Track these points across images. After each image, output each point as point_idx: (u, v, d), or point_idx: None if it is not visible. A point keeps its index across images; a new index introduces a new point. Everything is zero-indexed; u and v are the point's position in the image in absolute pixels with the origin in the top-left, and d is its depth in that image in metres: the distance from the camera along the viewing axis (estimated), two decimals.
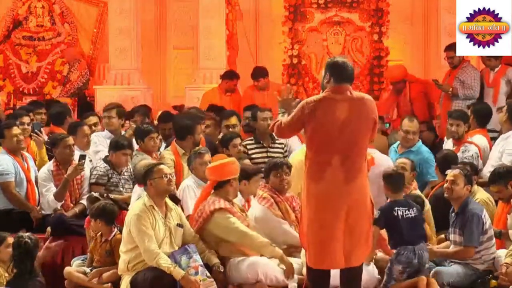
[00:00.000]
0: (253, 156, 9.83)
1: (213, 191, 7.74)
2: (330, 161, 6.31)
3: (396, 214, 7.19)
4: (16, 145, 8.99)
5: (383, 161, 8.57)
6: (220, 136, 10.06)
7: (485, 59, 11.48)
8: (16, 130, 9.03)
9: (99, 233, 7.76)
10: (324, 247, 6.36)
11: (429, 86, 12.07)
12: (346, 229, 6.33)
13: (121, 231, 7.68)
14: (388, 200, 7.52)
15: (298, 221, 7.93)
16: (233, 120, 10.29)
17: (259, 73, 13.02)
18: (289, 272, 7.41)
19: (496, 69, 11.55)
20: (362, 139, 6.38)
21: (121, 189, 8.90)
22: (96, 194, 8.24)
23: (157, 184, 7.44)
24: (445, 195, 7.66)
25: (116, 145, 9.00)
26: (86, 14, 15.42)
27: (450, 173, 7.70)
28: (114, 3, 14.30)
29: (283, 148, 10.01)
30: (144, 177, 7.53)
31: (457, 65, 11.63)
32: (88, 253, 7.86)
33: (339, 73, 6.46)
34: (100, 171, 8.88)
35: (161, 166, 7.58)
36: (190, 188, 8.44)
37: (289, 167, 8.06)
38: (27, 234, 7.18)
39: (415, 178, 8.62)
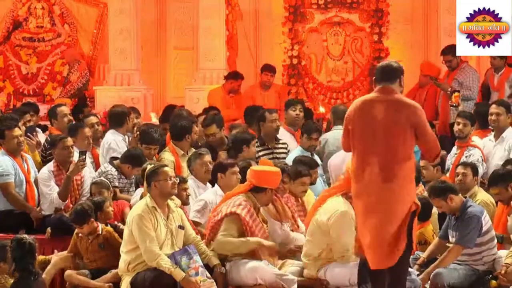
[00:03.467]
0: (261, 157, 9.70)
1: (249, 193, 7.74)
2: (368, 161, 6.37)
3: None
4: (16, 146, 8.98)
5: None
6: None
7: (491, 57, 11.53)
8: (17, 131, 9.03)
9: (81, 234, 7.82)
10: (370, 247, 6.37)
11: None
12: (385, 228, 6.33)
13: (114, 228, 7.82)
14: None
15: (294, 219, 8.03)
16: (212, 129, 9.97)
17: (269, 68, 13.13)
18: (273, 252, 7.52)
19: (500, 72, 11.58)
20: (400, 142, 6.34)
21: (127, 193, 8.97)
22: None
23: (162, 186, 7.44)
24: (440, 211, 7.69)
25: (137, 161, 8.93)
26: (86, 15, 15.41)
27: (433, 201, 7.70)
28: (114, 3, 14.29)
29: (286, 148, 9.99)
30: (149, 179, 7.50)
31: (455, 67, 11.68)
32: (69, 252, 7.90)
33: (376, 73, 6.60)
34: (114, 175, 8.91)
35: (166, 168, 7.58)
36: (190, 188, 8.44)
37: (288, 175, 8.14)
38: (25, 235, 7.17)
39: None
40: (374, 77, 6.64)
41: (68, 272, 7.79)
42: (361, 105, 6.51)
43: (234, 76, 12.99)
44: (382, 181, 6.30)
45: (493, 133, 9.48)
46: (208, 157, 8.65)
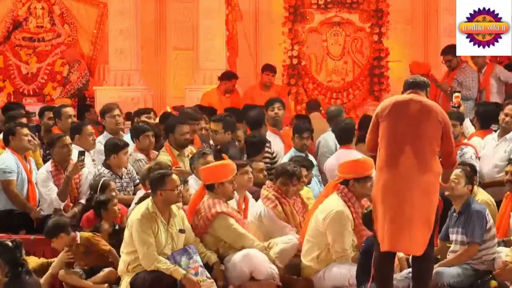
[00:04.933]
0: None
1: (207, 191, 7.77)
2: (402, 149, 6.59)
3: None
4: (26, 144, 8.97)
5: None
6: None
7: (473, 57, 11.62)
8: (27, 130, 9.04)
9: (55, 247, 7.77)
10: (399, 230, 6.52)
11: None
12: (417, 216, 6.53)
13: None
14: None
15: (301, 226, 7.99)
16: (217, 127, 9.84)
17: (270, 68, 13.18)
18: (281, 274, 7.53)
19: (483, 70, 11.65)
20: (432, 136, 6.62)
21: (124, 193, 8.91)
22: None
23: (168, 196, 7.38)
24: (446, 193, 7.66)
25: (116, 147, 8.99)
26: (86, 15, 15.43)
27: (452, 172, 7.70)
28: (114, 4, 14.29)
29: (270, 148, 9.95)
30: (154, 186, 7.44)
31: (455, 67, 11.72)
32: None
33: (406, 83, 6.92)
34: (106, 176, 8.84)
35: (174, 177, 7.46)
36: (191, 187, 8.43)
37: (299, 178, 8.17)
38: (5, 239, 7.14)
39: None
40: (403, 88, 6.97)
41: (61, 272, 7.70)
42: (396, 101, 6.77)
43: (227, 76, 12.98)
44: (419, 171, 6.56)
45: (496, 133, 9.46)
46: (210, 157, 8.61)
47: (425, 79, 6.98)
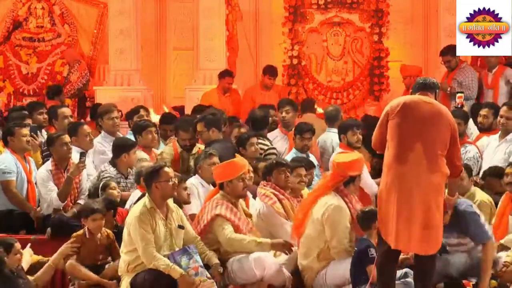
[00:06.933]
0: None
1: (220, 191, 7.81)
2: (412, 146, 6.65)
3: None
4: (25, 145, 8.99)
5: None
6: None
7: (485, 59, 11.58)
8: (26, 130, 9.04)
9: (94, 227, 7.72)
10: (402, 227, 6.59)
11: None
12: (421, 214, 6.57)
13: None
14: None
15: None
16: (199, 127, 9.74)
17: (271, 72, 13.16)
18: (286, 247, 7.55)
19: (494, 70, 11.65)
20: (440, 140, 6.68)
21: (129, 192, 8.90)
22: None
23: (163, 188, 7.38)
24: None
25: (127, 146, 9.02)
26: (86, 15, 15.42)
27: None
28: (114, 4, 14.28)
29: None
30: (149, 179, 7.44)
31: (454, 67, 11.75)
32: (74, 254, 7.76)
33: (416, 84, 7.00)
34: (112, 174, 8.87)
35: (167, 169, 7.48)
36: (193, 187, 8.44)
37: (290, 167, 8.20)
38: None
39: None
40: (412, 88, 7.01)
41: (69, 264, 7.61)
42: (406, 101, 6.83)
43: (222, 75, 12.99)
44: (428, 170, 6.61)
45: (498, 133, 9.48)
46: (216, 159, 8.60)
47: (435, 80, 7.04)
